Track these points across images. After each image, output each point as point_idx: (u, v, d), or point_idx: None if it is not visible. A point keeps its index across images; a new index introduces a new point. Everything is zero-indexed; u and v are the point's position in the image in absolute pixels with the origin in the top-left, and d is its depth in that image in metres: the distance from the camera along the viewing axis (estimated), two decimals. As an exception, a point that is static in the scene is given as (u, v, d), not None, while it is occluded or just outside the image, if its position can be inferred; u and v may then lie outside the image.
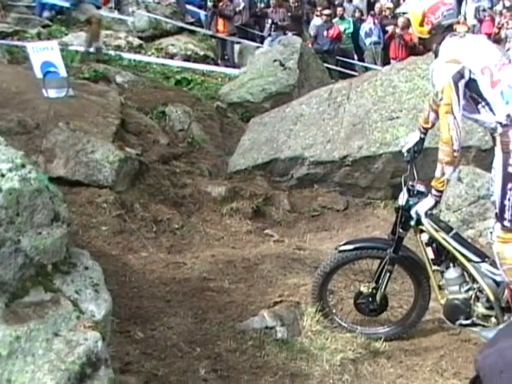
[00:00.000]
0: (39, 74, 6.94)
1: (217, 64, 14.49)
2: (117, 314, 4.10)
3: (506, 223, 4.00)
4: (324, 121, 8.05)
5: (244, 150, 8.39)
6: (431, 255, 4.35)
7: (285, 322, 4.53)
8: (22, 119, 6.54)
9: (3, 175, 2.91)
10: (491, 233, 4.15)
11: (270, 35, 15.65)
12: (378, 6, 17.88)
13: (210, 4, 15.93)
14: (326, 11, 15.89)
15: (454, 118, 3.95)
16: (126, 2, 15.96)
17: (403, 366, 4.44)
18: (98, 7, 10.71)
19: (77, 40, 12.02)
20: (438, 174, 4.07)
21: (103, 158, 6.42)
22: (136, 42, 13.80)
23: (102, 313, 3.08)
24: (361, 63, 16.01)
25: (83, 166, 6.36)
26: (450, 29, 4.18)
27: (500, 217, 4.03)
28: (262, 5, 17.24)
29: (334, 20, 16.22)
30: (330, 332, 4.59)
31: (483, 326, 4.27)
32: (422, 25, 4.15)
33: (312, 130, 8.00)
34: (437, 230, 4.28)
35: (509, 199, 3.98)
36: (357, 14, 17.09)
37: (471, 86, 4.02)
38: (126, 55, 12.02)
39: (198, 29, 15.79)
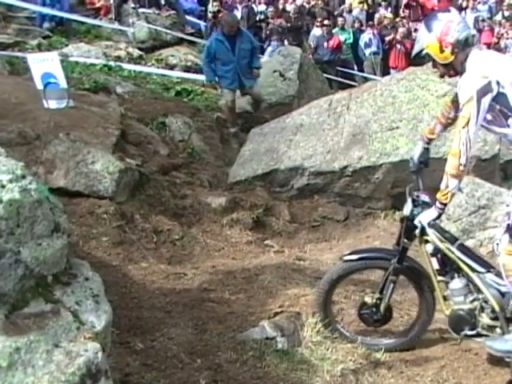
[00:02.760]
0: (39, 85, 6.94)
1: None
2: (117, 325, 4.09)
3: None
4: (324, 131, 8.06)
5: (244, 160, 8.39)
6: (436, 266, 4.34)
7: (285, 333, 4.51)
8: (22, 130, 6.54)
9: (3, 186, 2.90)
10: (497, 244, 4.14)
11: (269, 45, 15.70)
12: (377, 16, 18.00)
13: (209, 15, 16.01)
14: (326, 22, 15.96)
15: (468, 132, 3.92)
16: (126, 13, 15.97)
17: (404, 377, 4.42)
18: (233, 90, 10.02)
19: (77, 51, 12.06)
20: (442, 185, 4.05)
21: (103, 169, 6.42)
22: (136, 52, 13.82)
23: (102, 324, 3.07)
24: (360, 73, 16.07)
25: (83, 177, 6.36)
26: (468, 42, 4.15)
27: (511, 229, 4.03)
28: (262, 16, 17.30)
29: (334, 30, 16.29)
30: (330, 342, 4.58)
31: (488, 336, 4.27)
32: (442, 51, 4.09)
33: (312, 140, 8.01)
34: (442, 241, 4.27)
35: None
36: (356, 25, 17.16)
37: (500, 99, 3.97)
38: (126, 66, 12.04)
39: (197, 39, 15.80)
